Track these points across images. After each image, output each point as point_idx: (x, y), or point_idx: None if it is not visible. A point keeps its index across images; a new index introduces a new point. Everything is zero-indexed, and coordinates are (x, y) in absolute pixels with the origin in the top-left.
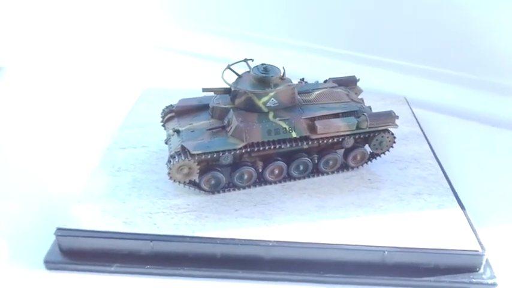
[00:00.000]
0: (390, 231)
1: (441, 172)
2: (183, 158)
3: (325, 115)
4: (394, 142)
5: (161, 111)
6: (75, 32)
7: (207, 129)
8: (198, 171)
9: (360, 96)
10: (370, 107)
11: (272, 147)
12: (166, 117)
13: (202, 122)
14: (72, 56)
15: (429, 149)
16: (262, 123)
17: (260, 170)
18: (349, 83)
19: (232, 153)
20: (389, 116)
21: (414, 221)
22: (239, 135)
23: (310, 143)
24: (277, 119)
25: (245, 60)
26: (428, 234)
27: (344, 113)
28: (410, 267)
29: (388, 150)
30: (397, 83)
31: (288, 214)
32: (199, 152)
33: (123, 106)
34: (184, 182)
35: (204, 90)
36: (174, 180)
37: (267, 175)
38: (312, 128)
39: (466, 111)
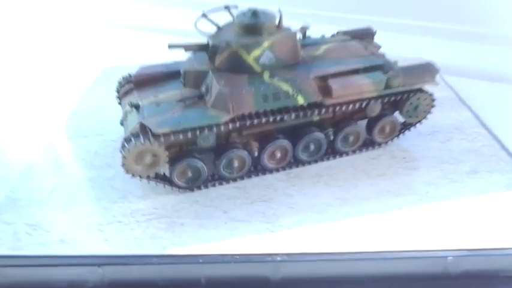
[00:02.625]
0: (449, 228)
1: (496, 143)
2: (142, 140)
3: (341, 72)
4: (433, 106)
5: (117, 84)
6: (27, 11)
7: (178, 101)
8: (167, 159)
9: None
10: (396, 62)
11: (271, 119)
12: (122, 91)
13: (171, 92)
14: (24, 35)
15: (471, 116)
16: (255, 86)
17: (256, 154)
18: (364, 36)
19: (215, 130)
20: (428, 70)
21: (478, 211)
22: (223, 104)
23: (323, 111)
24: (276, 79)
25: (227, 7)
26: (503, 228)
27: (365, 68)
28: (484, 275)
29: (425, 118)
30: (416, 46)
31: (299, 213)
32: (166, 130)
33: (78, 89)
34: (149, 176)
35: (171, 46)
36: (133, 174)
37: (266, 160)
38: (325, 91)
39: (499, 73)
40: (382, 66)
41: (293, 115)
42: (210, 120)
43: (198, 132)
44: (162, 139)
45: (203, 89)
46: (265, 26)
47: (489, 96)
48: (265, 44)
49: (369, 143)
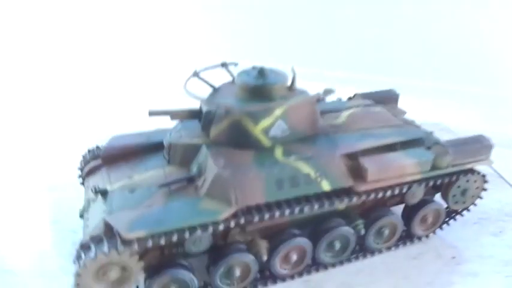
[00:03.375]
0: None
1: None
2: (106, 249)
3: (374, 148)
4: (484, 189)
5: (80, 158)
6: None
7: (160, 186)
8: (142, 270)
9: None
10: (432, 133)
11: (286, 212)
12: (87, 168)
13: (150, 172)
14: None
15: None
16: (266, 168)
17: (265, 258)
18: (386, 99)
19: (211, 230)
20: (481, 145)
21: None
22: (222, 193)
23: (353, 199)
24: (292, 157)
25: (224, 64)
26: None
27: (403, 143)
28: None
29: (473, 204)
30: (434, 109)
31: None
32: (141, 234)
33: None
34: None
35: (152, 113)
36: None
37: (278, 266)
38: (357, 173)
39: None
40: (423, 140)
41: (316, 206)
42: (204, 217)
43: (187, 233)
44: (135, 246)
45: (194, 169)
46: (276, 87)
47: None
48: (277, 111)
49: (406, 236)
